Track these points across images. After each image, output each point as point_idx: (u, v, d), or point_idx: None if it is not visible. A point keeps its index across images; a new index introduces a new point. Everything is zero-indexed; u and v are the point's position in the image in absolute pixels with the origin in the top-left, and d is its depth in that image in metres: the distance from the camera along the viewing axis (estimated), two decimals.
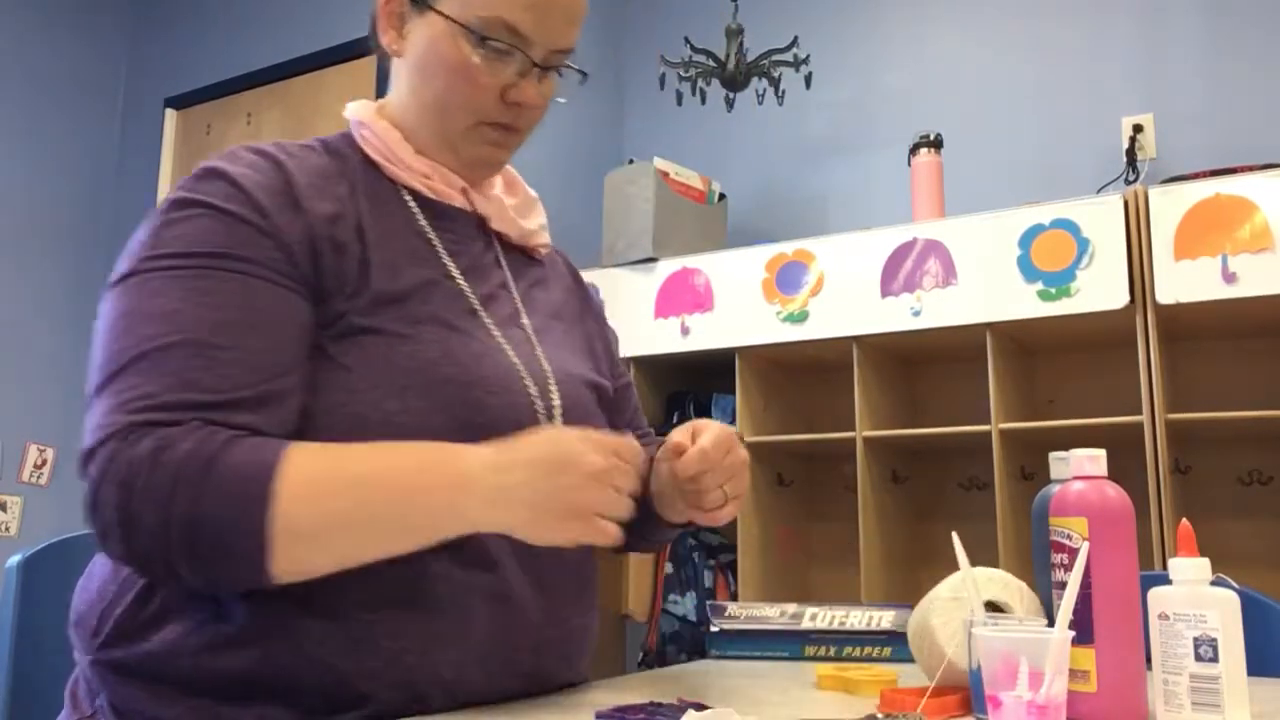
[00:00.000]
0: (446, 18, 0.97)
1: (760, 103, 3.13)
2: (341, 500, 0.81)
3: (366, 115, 1.04)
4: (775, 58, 3.06)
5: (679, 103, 3.10)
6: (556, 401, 1.00)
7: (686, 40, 3.11)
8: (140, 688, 0.86)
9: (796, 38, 3.06)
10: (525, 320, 1.05)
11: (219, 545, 0.78)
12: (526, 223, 1.12)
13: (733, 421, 2.85)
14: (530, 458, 0.83)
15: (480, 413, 0.91)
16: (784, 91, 3.04)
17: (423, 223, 1.01)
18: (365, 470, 0.82)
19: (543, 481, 0.82)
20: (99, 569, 0.93)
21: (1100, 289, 2.38)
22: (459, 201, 1.05)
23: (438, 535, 0.84)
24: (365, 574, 0.84)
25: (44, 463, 3.83)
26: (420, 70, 1.00)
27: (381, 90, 1.08)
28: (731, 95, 3.13)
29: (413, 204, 1.02)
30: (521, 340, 1.02)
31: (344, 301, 0.91)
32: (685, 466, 0.96)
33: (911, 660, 1.06)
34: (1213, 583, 0.84)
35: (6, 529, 3.73)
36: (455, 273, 1.00)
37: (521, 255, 1.13)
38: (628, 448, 0.85)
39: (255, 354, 0.84)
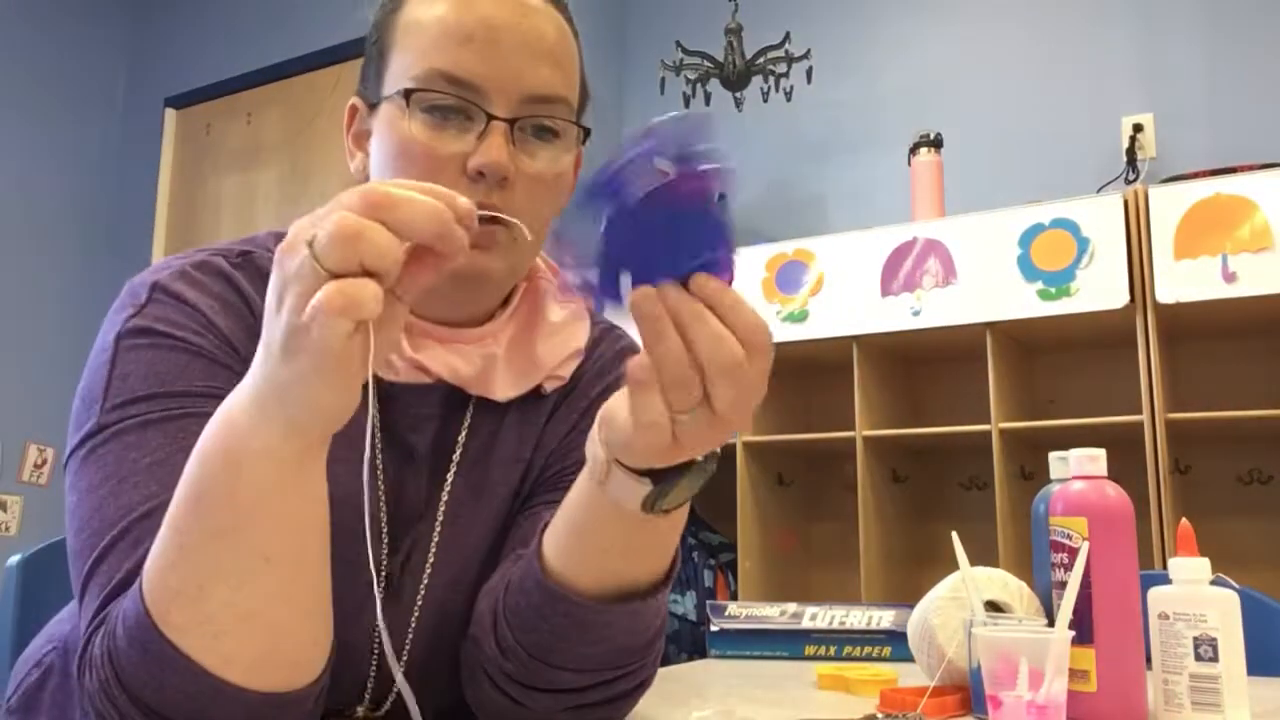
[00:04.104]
0: (387, 99, 0.79)
1: (765, 101, 3.13)
2: (182, 540, 0.62)
3: None
4: (771, 55, 3.06)
5: (686, 105, 3.10)
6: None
7: (678, 44, 3.12)
8: None
9: (789, 34, 3.06)
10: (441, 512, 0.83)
11: (176, 701, 0.63)
12: (522, 376, 0.85)
13: None
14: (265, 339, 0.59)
15: None
16: (792, 88, 3.04)
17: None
18: (171, 517, 0.63)
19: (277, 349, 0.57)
20: (52, 626, 0.90)
21: (1100, 288, 2.38)
22: (409, 377, 0.80)
23: (271, 492, 0.61)
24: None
25: (44, 462, 3.83)
26: (374, 177, 0.81)
27: None
28: (740, 95, 3.13)
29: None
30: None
31: None
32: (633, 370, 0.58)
33: (911, 660, 1.06)
34: (1213, 583, 0.84)
35: (6, 529, 3.73)
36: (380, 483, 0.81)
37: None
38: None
39: None
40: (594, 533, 0.70)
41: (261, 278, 0.79)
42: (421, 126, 0.76)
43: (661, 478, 0.63)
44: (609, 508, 0.66)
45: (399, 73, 0.79)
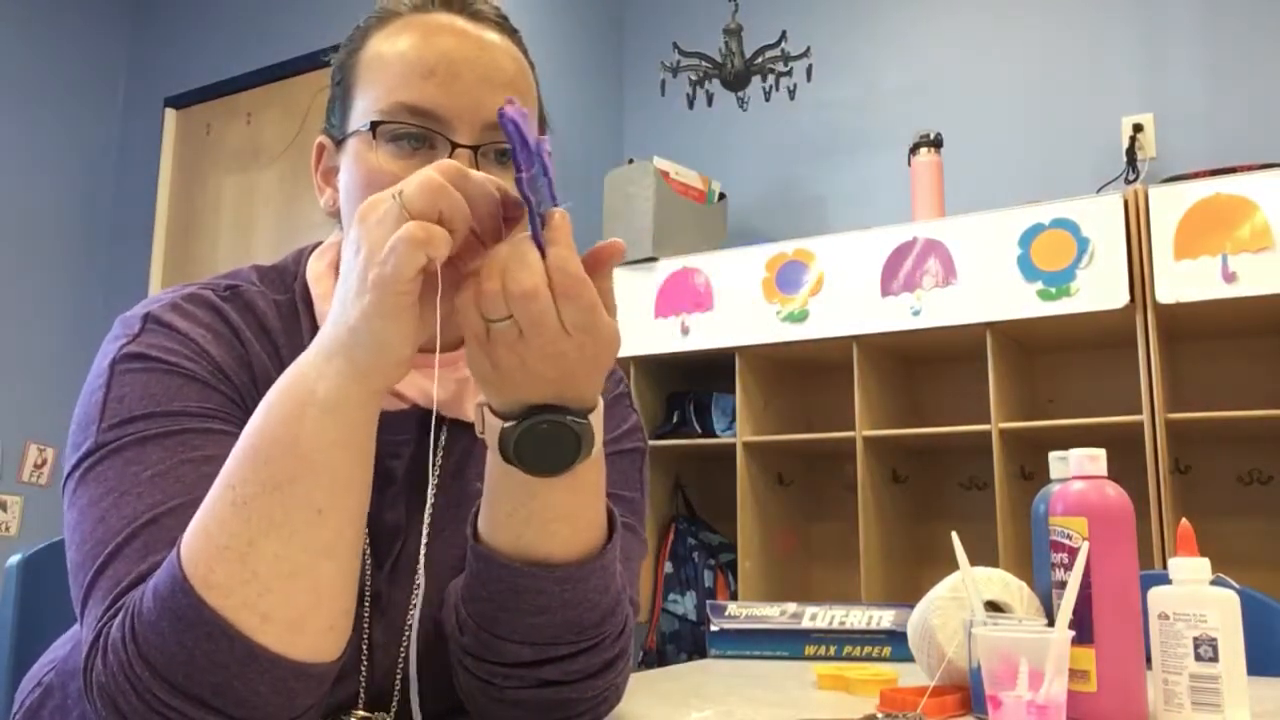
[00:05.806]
0: (354, 134, 0.82)
1: (767, 100, 3.13)
2: (236, 495, 0.65)
3: (315, 273, 0.88)
4: (768, 54, 3.06)
5: (690, 105, 3.10)
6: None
7: (675, 45, 3.12)
8: None
9: (785, 33, 3.06)
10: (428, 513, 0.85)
11: (204, 671, 0.64)
12: None
13: (733, 421, 2.86)
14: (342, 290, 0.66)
15: None
16: (795, 85, 3.04)
17: None
18: (226, 474, 0.67)
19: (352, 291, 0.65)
20: (54, 648, 0.90)
21: (1100, 288, 2.38)
22: (386, 404, 0.77)
23: (324, 475, 0.66)
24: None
25: (44, 462, 3.83)
26: (343, 210, 0.84)
27: None
28: (744, 95, 3.13)
29: None
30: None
31: None
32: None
33: (911, 660, 1.06)
34: (1213, 583, 0.84)
35: (6, 529, 3.73)
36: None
37: None
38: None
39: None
40: (499, 495, 0.74)
41: (249, 310, 0.84)
42: (389, 157, 0.79)
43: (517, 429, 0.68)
44: (503, 469, 0.71)
45: (364, 108, 0.82)
